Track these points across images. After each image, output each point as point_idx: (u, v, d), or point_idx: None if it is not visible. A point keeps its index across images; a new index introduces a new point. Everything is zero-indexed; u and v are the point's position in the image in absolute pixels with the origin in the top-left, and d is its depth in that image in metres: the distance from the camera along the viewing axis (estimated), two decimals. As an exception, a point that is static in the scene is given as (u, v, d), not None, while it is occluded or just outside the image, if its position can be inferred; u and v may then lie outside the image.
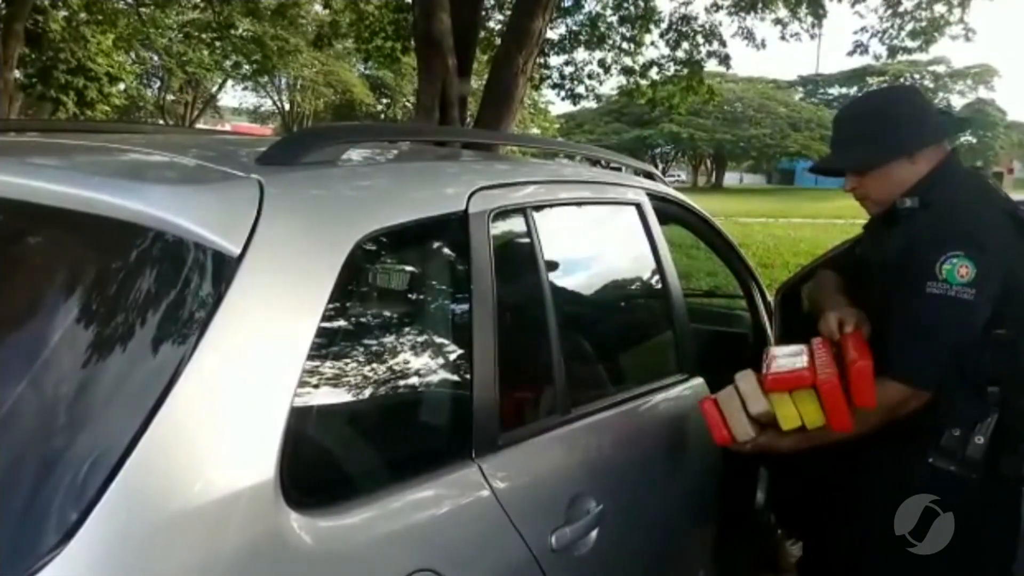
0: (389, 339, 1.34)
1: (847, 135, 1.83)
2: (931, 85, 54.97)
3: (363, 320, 1.29)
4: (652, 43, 11.51)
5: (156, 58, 25.26)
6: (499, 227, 1.51)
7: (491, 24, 10.83)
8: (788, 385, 1.59)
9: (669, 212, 2.30)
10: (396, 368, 1.31)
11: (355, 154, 1.47)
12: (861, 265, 1.85)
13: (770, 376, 1.60)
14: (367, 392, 1.25)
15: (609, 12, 11.41)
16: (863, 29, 10.84)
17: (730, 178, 58.72)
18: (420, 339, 1.40)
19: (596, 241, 2.10)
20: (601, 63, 11.89)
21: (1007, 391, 1.65)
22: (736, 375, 1.66)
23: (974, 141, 56.43)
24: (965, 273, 1.57)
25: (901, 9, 10.14)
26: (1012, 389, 1.65)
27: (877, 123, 1.76)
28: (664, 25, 11.23)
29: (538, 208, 1.65)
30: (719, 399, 1.66)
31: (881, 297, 1.73)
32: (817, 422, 1.60)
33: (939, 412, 1.66)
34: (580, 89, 12.29)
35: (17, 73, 15.10)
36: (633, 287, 2.27)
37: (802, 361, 1.62)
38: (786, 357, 1.65)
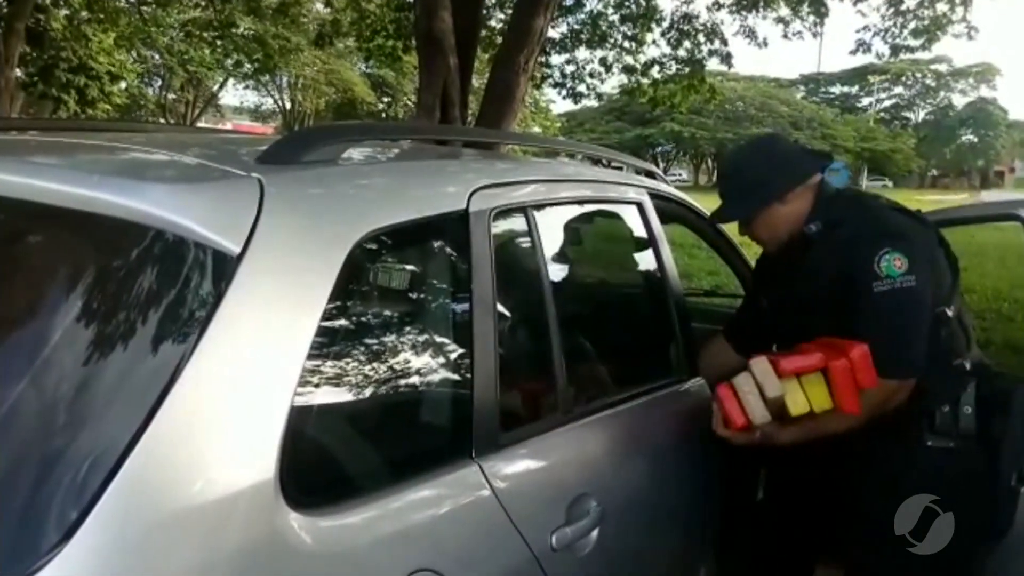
0: (389, 338, 1.34)
1: (727, 190, 2.00)
2: (933, 84, 54.95)
3: (363, 319, 1.29)
4: (654, 42, 11.51)
5: (157, 57, 25.26)
6: (500, 226, 1.50)
7: (492, 23, 10.81)
8: (802, 369, 1.65)
9: (670, 211, 2.30)
10: (396, 367, 1.30)
11: (355, 153, 1.47)
12: (779, 306, 1.97)
13: (784, 360, 1.65)
14: (367, 391, 1.25)
15: (610, 11, 11.40)
16: (865, 27, 10.87)
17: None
18: (420, 338, 1.39)
19: (597, 240, 2.09)
20: (602, 62, 11.88)
21: (969, 360, 1.82)
22: (750, 361, 1.68)
23: (975, 140, 56.44)
24: (900, 264, 1.71)
25: (903, 7, 10.13)
26: (968, 357, 1.83)
27: (746, 177, 1.94)
28: (666, 24, 11.22)
29: (539, 207, 1.64)
30: (735, 384, 1.67)
31: (828, 315, 1.81)
32: (825, 405, 1.65)
33: (925, 396, 1.76)
34: (581, 88, 12.30)
35: (18, 72, 15.12)
36: (634, 287, 2.27)
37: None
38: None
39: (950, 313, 1.82)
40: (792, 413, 1.66)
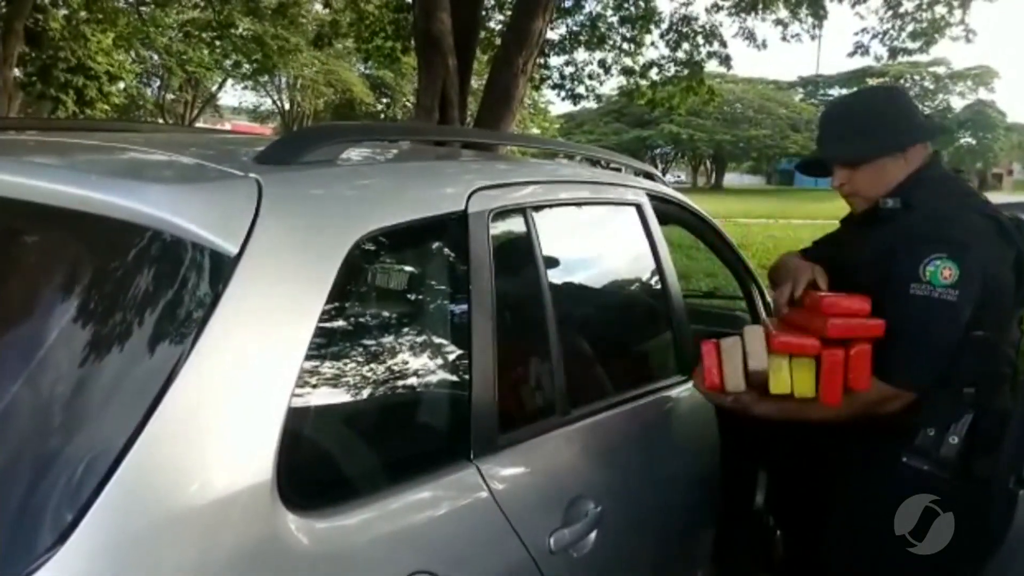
0: (387, 340, 1.33)
1: (838, 131, 1.83)
2: (931, 86, 55.07)
3: (361, 320, 1.29)
4: (652, 44, 11.54)
5: (156, 57, 25.24)
6: (498, 227, 1.50)
7: (491, 24, 10.82)
8: (794, 349, 1.60)
9: (669, 213, 2.30)
10: (394, 369, 1.30)
11: (354, 153, 1.47)
12: (834, 267, 1.83)
13: (780, 338, 1.61)
14: (365, 393, 1.24)
15: (609, 12, 11.42)
16: (864, 30, 10.87)
17: (730, 179, 58.73)
18: (419, 340, 1.39)
19: (596, 241, 2.09)
20: (601, 63, 11.90)
21: (983, 392, 1.66)
22: (745, 328, 1.65)
23: (974, 142, 56.51)
24: (948, 275, 1.59)
25: (902, 10, 10.15)
26: (988, 391, 1.67)
27: (869, 119, 1.78)
28: (664, 26, 11.25)
29: (538, 208, 1.64)
30: (722, 345, 1.64)
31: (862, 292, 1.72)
32: (806, 392, 1.60)
33: (916, 411, 1.67)
34: (580, 89, 12.31)
35: (17, 71, 15.09)
36: (633, 288, 2.27)
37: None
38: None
39: (986, 338, 1.66)
40: (772, 390, 1.62)
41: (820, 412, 1.66)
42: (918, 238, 1.65)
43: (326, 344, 1.15)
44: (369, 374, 1.25)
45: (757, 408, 1.69)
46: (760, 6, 10.51)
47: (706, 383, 1.66)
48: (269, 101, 38.87)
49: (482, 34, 9.11)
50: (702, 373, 1.69)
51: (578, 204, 1.93)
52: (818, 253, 1.98)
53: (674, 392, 1.96)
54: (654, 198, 2.12)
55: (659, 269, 2.02)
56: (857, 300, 1.61)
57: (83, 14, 17.36)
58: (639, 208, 2.02)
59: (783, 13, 10.64)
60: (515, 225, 1.59)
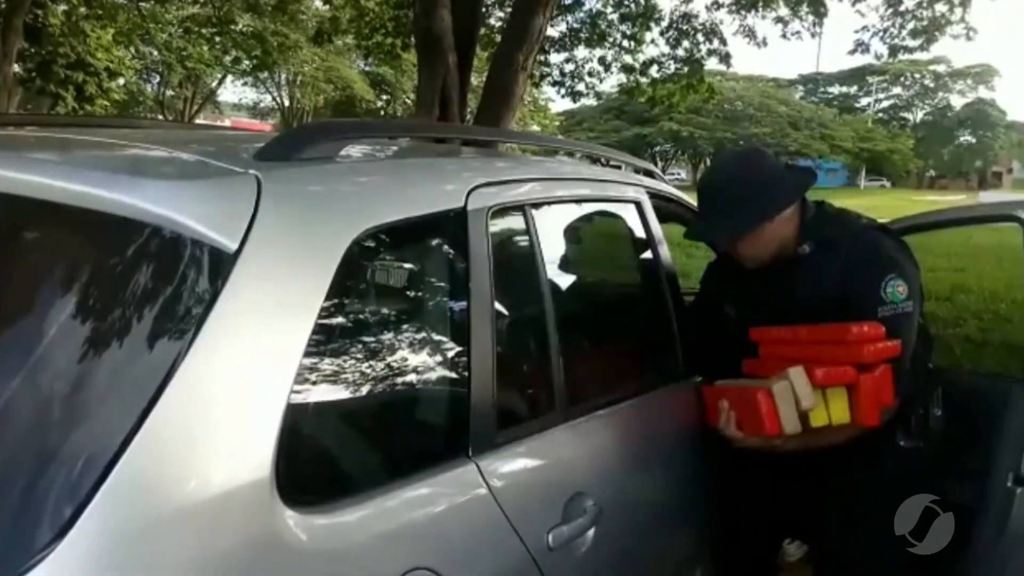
0: (386, 336, 1.33)
1: (711, 208, 1.91)
2: (932, 84, 55.03)
3: (360, 317, 1.29)
4: (652, 41, 11.51)
5: (156, 53, 25.20)
6: (498, 224, 1.50)
7: (491, 21, 10.81)
8: (838, 381, 1.66)
9: (669, 210, 2.29)
10: (393, 365, 1.30)
11: (353, 150, 1.46)
12: (752, 318, 1.92)
13: (820, 372, 1.65)
14: (364, 389, 1.24)
15: (609, 10, 11.40)
16: (864, 28, 10.88)
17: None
18: (418, 336, 1.39)
19: (595, 239, 2.09)
20: (601, 61, 11.88)
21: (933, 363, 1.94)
22: (789, 370, 1.67)
23: (974, 141, 56.52)
24: (903, 291, 1.77)
25: (902, 8, 10.15)
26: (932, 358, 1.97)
27: (734, 196, 1.84)
28: (665, 23, 11.23)
29: (537, 206, 1.64)
30: (774, 392, 1.66)
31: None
32: (844, 419, 1.67)
33: (905, 402, 1.83)
34: (580, 87, 12.29)
35: (16, 67, 15.07)
36: (632, 286, 2.26)
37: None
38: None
39: (924, 325, 1.90)
40: (813, 424, 1.66)
41: (839, 436, 1.75)
42: (863, 267, 1.79)
43: (325, 341, 1.15)
44: (368, 371, 1.25)
45: (788, 446, 1.74)
46: (760, 4, 10.48)
47: (767, 430, 1.68)
48: (269, 97, 38.85)
49: (482, 31, 9.11)
50: (734, 417, 1.75)
51: (578, 202, 1.93)
52: (713, 293, 2.15)
53: (673, 389, 1.96)
54: (654, 196, 2.12)
55: (658, 267, 2.02)
56: (876, 327, 1.70)
57: (83, 10, 17.32)
58: (639, 206, 2.02)
59: (783, 11, 10.62)
60: (514, 222, 1.59)
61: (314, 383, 1.13)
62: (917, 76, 55.16)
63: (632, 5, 11.05)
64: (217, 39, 18.67)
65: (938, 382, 1.92)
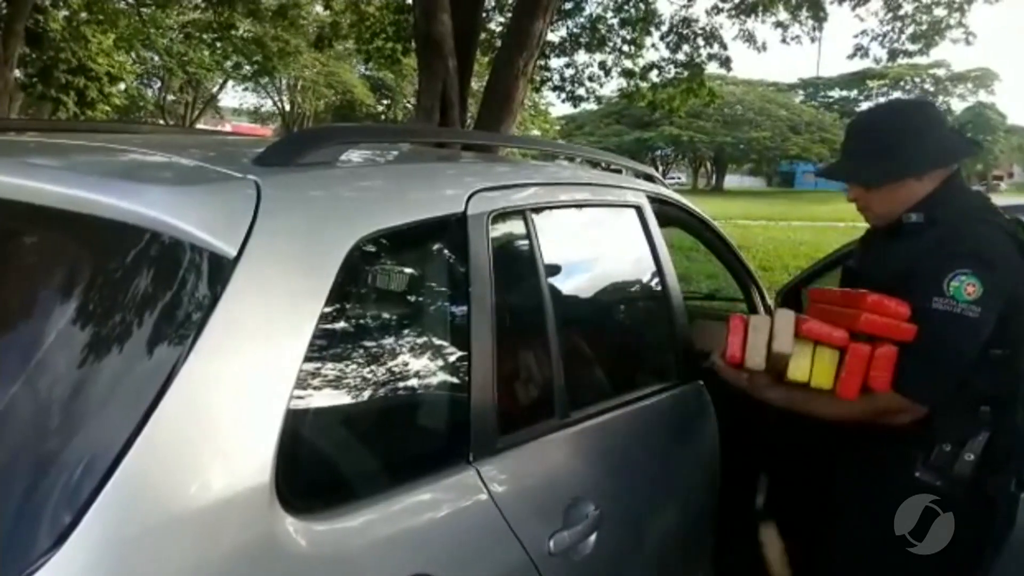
0: (386, 342, 1.33)
1: (859, 147, 1.82)
2: (931, 88, 55.08)
3: (360, 323, 1.29)
4: (652, 45, 11.55)
5: (157, 58, 25.25)
6: (498, 229, 1.50)
7: (492, 26, 10.83)
8: (822, 338, 1.60)
9: (669, 214, 2.30)
10: (393, 371, 1.30)
11: (354, 155, 1.46)
12: (853, 277, 1.84)
13: (809, 324, 1.61)
14: (364, 395, 1.24)
15: (610, 14, 11.44)
16: (864, 32, 10.88)
17: (730, 180, 58.76)
18: (418, 342, 1.39)
19: (596, 243, 2.09)
20: (601, 65, 11.92)
21: (999, 410, 1.66)
22: (777, 310, 1.65)
23: (974, 144, 56.31)
24: (972, 291, 1.58)
25: (902, 12, 10.17)
26: (1004, 409, 1.67)
27: (890, 140, 1.75)
28: (665, 28, 11.26)
29: (537, 210, 1.64)
30: (750, 321, 1.65)
31: None
32: (824, 383, 1.60)
33: (931, 426, 1.65)
34: (580, 91, 12.33)
35: (17, 72, 15.09)
36: (632, 290, 2.26)
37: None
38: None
39: (1007, 356, 1.66)
40: (788, 376, 1.62)
41: (827, 408, 1.66)
42: (944, 253, 1.63)
43: (325, 346, 1.14)
44: (368, 376, 1.24)
45: (767, 392, 1.70)
46: (760, 8, 10.51)
47: (727, 355, 1.65)
48: (270, 102, 38.88)
49: (482, 36, 9.13)
50: (724, 345, 1.69)
51: (578, 206, 1.93)
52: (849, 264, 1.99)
53: (674, 394, 1.96)
54: (654, 200, 2.12)
55: (659, 271, 2.02)
56: (900, 304, 1.60)
57: (84, 15, 17.37)
58: (639, 210, 2.02)
59: (783, 15, 10.66)
60: (515, 227, 1.59)
61: (314, 388, 1.13)
62: (917, 80, 55.19)
63: (632, 10, 11.09)
64: (218, 44, 18.74)
65: (985, 428, 1.65)
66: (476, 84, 10.06)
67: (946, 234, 1.67)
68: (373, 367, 1.26)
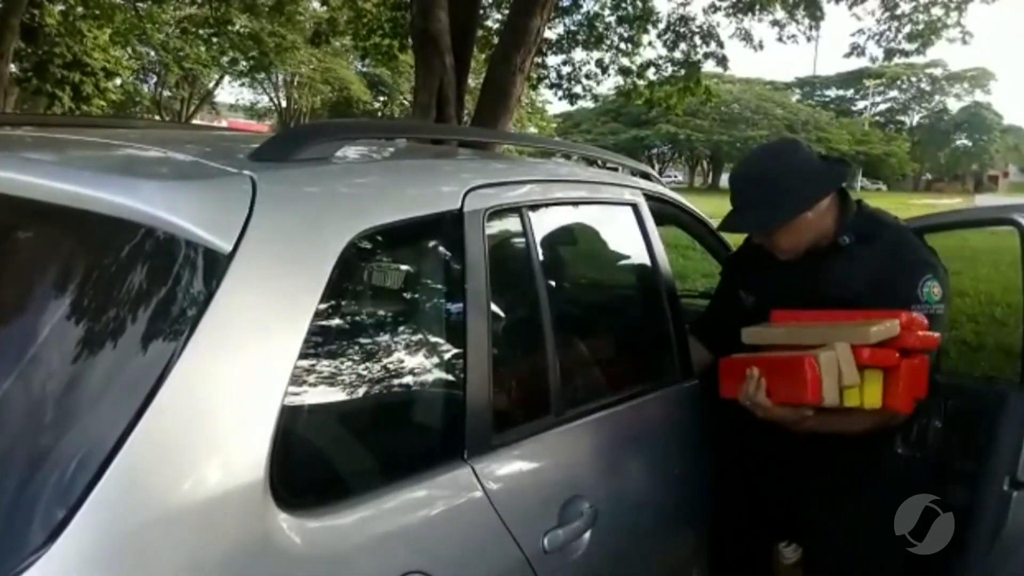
0: (382, 338, 1.33)
1: (749, 198, 1.90)
2: (928, 88, 55.20)
3: (355, 319, 1.28)
4: (650, 44, 11.53)
5: (153, 53, 25.23)
6: (494, 226, 1.50)
7: (489, 23, 10.81)
8: (882, 362, 1.64)
9: (665, 213, 2.29)
10: (389, 368, 1.30)
11: (350, 151, 1.46)
12: (773, 304, 1.89)
13: (866, 350, 1.63)
14: (359, 392, 1.24)
15: (607, 12, 11.41)
16: (860, 31, 10.89)
17: (726, 179, 58.76)
18: (413, 339, 1.39)
19: (592, 241, 2.09)
20: (599, 63, 11.89)
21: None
22: (837, 344, 1.65)
23: (970, 144, 56.70)
24: (937, 292, 1.77)
25: (898, 12, 10.18)
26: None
27: (769, 187, 1.84)
28: (662, 26, 11.25)
29: (534, 207, 1.64)
30: (820, 361, 1.64)
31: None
32: (875, 403, 1.65)
33: (915, 411, 1.76)
34: (577, 89, 12.30)
35: (13, 67, 15.03)
36: (629, 288, 2.26)
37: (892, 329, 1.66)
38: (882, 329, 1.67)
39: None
40: (846, 403, 1.64)
41: (855, 424, 1.75)
42: (905, 263, 1.79)
43: (320, 343, 1.14)
44: (363, 373, 1.24)
45: (807, 423, 1.72)
46: (757, 7, 10.51)
47: (809, 397, 1.65)
48: (266, 98, 38.88)
49: (480, 32, 9.10)
50: (764, 385, 1.71)
51: (574, 204, 1.93)
52: (723, 312, 2.10)
53: (669, 391, 1.96)
54: (650, 198, 2.12)
55: (655, 269, 2.02)
56: (922, 318, 1.69)
57: (80, 10, 17.30)
58: (635, 208, 2.02)
59: (780, 14, 10.65)
60: (511, 224, 1.58)
61: (309, 385, 1.13)
62: (913, 79, 55.34)
63: (629, 8, 11.07)
64: (214, 40, 18.68)
65: (941, 395, 1.89)
66: (473, 81, 10.03)
67: (892, 245, 1.83)
68: (368, 364, 1.26)
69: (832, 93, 60.69)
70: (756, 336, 1.83)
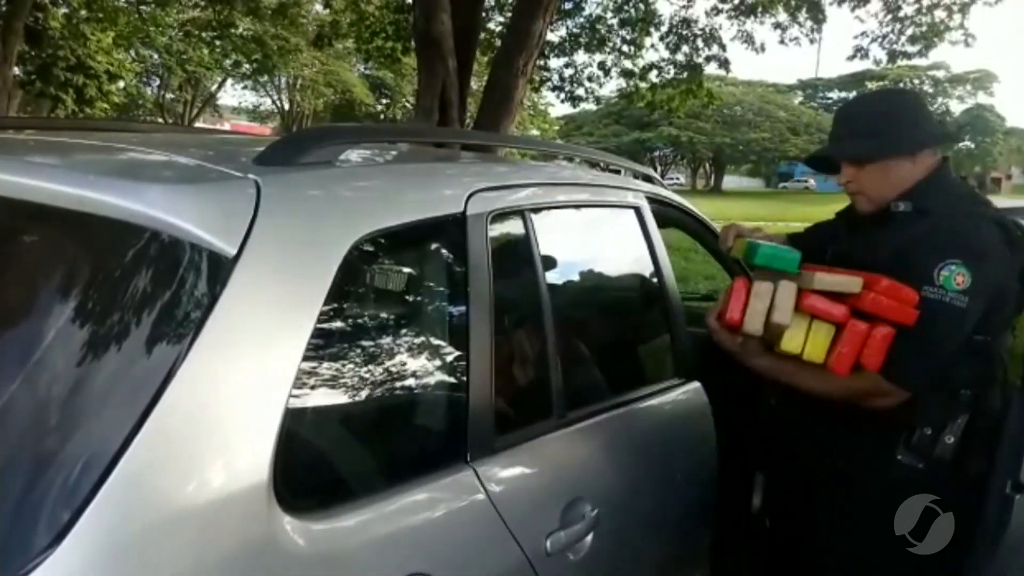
0: (385, 341, 1.33)
1: (849, 129, 1.83)
2: (930, 90, 55.12)
3: (359, 322, 1.29)
4: (652, 46, 11.54)
5: (156, 56, 25.27)
6: (497, 229, 1.50)
7: (491, 25, 10.83)
8: (821, 313, 1.60)
9: (668, 215, 2.30)
10: (392, 371, 1.30)
11: (353, 155, 1.46)
12: (842, 261, 1.81)
13: (811, 299, 1.60)
14: (362, 395, 1.24)
15: (609, 15, 11.44)
16: (863, 34, 10.88)
17: (729, 181, 58.78)
18: (416, 342, 1.39)
19: (594, 244, 2.09)
20: (601, 65, 11.92)
21: (978, 394, 1.71)
22: (781, 281, 1.63)
23: (973, 146, 56.58)
24: (961, 281, 1.61)
25: (901, 14, 10.18)
26: (983, 392, 1.72)
27: (881, 119, 1.78)
28: (664, 28, 11.26)
29: (536, 210, 1.64)
30: (753, 288, 1.64)
31: None
32: (816, 357, 1.62)
33: (913, 410, 1.69)
34: (580, 91, 12.33)
35: (16, 70, 15.08)
36: (631, 291, 2.27)
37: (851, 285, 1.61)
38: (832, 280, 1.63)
39: (988, 343, 1.71)
40: (781, 347, 1.63)
41: (811, 382, 1.70)
42: (935, 243, 1.66)
43: (324, 346, 1.15)
44: (366, 376, 1.25)
45: (756, 359, 1.72)
46: (759, 9, 10.52)
47: (726, 317, 1.65)
48: (269, 101, 38.88)
49: (482, 35, 9.12)
50: (723, 307, 1.69)
51: (577, 207, 1.93)
52: (810, 243, 1.97)
53: (672, 395, 1.96)
54: (653, 201, 2.12)
55: (657, 272, 2.02)
56: (911, 291, 1.61)
57: (83, 13, 17.34)
58: (638, 211, 2.02)
59: (782, 17, 10.66)
60: (514, 227, 1.59)
61: (312, 388, 1.13)
62: (916, 82, 55.25)
63: (632, 10, 11.09)
64: (217, 43, 18.75)
65: (964, 410, 1.70)
66: (476, 84, 10.05)
67: (937, 224, 1.69)
68: (372, 367, 1.26)
69: (835, 95, 60.57)
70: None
